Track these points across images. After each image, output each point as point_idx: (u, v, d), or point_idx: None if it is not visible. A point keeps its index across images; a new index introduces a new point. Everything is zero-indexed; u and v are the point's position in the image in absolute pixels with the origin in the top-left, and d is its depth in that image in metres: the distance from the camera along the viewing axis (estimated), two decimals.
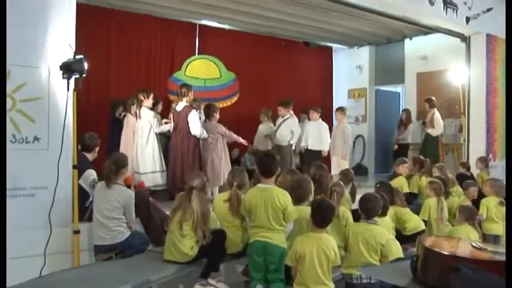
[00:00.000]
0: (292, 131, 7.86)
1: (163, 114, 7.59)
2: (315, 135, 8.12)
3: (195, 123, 6.28)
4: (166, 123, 6.73)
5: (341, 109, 8.74)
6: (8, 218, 4.05)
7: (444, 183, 6.03)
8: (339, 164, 7.98)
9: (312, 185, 4.41)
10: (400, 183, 6.31)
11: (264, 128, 8.41)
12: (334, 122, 9.11)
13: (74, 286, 3.49)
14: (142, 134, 6.36)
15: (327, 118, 11.63)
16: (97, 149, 4.98)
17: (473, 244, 2.67)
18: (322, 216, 3.59)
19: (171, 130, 6.52)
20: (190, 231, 3.94)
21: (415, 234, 5.05)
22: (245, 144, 7.63)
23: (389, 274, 2.77)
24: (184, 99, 6.42)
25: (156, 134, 6.50)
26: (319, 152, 8.03)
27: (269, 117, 8.50)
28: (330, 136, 8.24)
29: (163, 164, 6.51)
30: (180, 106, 6.41)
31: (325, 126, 8.28)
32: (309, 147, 8.17)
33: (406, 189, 6.40)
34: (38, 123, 4.38)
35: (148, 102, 6.49)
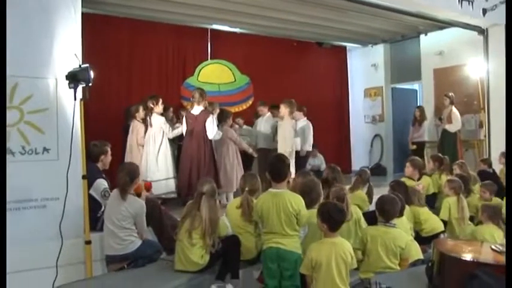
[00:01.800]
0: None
1: (174, 121, 7.57)
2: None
3: (213, 128, 6.22)
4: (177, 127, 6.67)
5: (288, 103, 7.25)
6: (20, 229, 4.09)
7: (466, 181, 5.86)
8: None
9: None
10: None
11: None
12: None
13: None
14: (155, 141, 6.32)
15: (342, 118, 11.66)
16: (102, 157, 4.87)
17: (493, 247, 2.48)
18: (335, 220, 3.46)
19: (184, 133, 6.45)
20: (200, 240, 3.87)
21: (433, 236, 4.91)
22: (254, 155, 7.55)
23: (404, 281, 2.61)
24: (201, 104, 6.34)
25: (168, 139, 6.45)
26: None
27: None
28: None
29: (175, 170, 6.45)
30: (196, 110, 6.33)
31: (310, 125, 7.96)
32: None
33: None
34: (47, 134, 4.35)
35: (159, 108, 6.46)
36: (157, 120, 6.38)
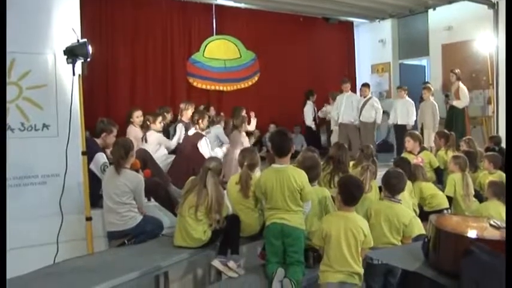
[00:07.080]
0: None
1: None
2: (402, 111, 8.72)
3: (207, 150, 6.16)
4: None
5: (428, 87, 8.79)
6: (21, 206, 4.09)
7: (472, 157, 5.79)
8: (430, 137, 8.09)
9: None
10: None
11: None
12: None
13: (84, 273, 3.44)
14: None
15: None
16: (104, 134, 4.80)
17: (492, 222, 2.40)
18: (351, 194, 3.38)
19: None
20: (204, 216, 3.84)
21: (437, 211, 4.86)
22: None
23: (400, 258, 2.54)
24: (195, 127, 6.21)
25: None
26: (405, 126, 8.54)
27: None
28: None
29: None
30: (191, 131, 6.23)
31: (412, 103, 8.70)
32: (398, 123, 8.80)
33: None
34: (46, 110, 4.34)
35: (156, 126, 6.17)
36: (154, 138, 6.07)
